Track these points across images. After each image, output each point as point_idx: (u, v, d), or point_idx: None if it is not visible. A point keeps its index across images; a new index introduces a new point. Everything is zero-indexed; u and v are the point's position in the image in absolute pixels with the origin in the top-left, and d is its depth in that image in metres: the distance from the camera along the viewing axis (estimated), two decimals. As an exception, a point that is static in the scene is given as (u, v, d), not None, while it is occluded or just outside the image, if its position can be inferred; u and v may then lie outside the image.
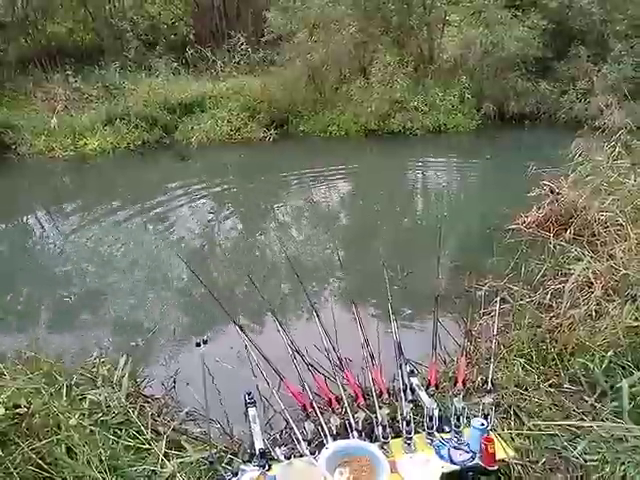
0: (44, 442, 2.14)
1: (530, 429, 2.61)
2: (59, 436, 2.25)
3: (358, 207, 7.53)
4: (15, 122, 10.55)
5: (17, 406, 2.14)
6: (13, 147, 10.20)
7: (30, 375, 2.51)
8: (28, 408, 2.15)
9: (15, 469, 2.02)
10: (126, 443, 2.48)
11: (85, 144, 10.37)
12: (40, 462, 2.10)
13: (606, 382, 2.84)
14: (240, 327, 3.08)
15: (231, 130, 11.04)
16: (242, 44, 12.55)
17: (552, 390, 2.91)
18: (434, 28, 12.50)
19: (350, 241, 6.03)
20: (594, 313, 3.29)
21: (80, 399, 2.74)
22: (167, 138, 10.89)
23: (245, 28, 13.78)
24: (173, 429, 2.64)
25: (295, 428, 2.35)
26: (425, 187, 8.54)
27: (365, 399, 2.47)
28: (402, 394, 2.48)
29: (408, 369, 2.70)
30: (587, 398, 2.83)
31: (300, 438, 2.26)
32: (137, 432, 2.57)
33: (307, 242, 6.00)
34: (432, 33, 12.44)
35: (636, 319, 3.05)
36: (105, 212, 7.14)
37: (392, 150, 10.24)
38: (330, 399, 2.39)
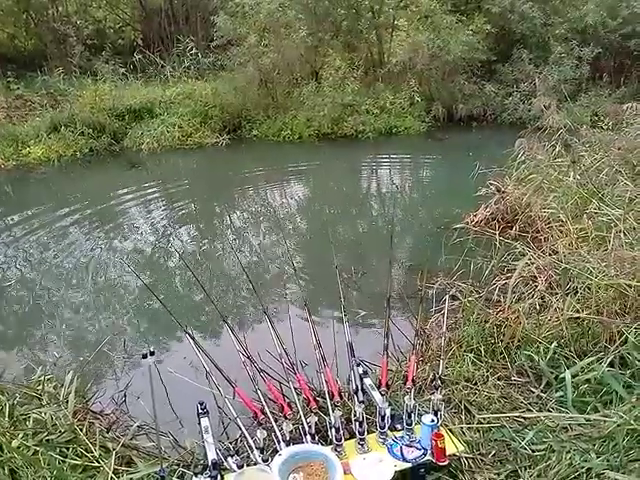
0: (-17, 466, 2.03)
1: (480, 422, 2.68)
2: (1, 458, 2.16)
3: (312, 210, 7.56)
4: (-49, 132, 10.06)
5: (-48, 430, 2.03)
6: (-51, 157, 9.71)
7: (-33, 396, 2.38)
8: (-36, 432, 2.04)
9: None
10: (73, 462, 2.38)
11: (29, 153, 9.96)
12: (-21, 487, 2.00)
13: (551, 373, 2.95)
14: (191, 336, 3.03)
15: (182, 136, 10.88)
16: (191, 49, 12.39)
17: (500, 383, 3.00)
18: (383, 32, 12.73)
19: (305, 245, 6.05)
20: (538, 307, 3.42)
21: (24, 419, 2.63)
22: (116, 145, 10.61)
23: (194, 33, 13.64)
24: (123, 445, 2.56)
25: (248, 436, 2.33)
26: (378, 189, 8.66)
27: (317, 402, 2.47)
28: (354, 395, 2.49)
29: (361, 370, 2.72)
30: (534, 389, 2.93)
31: (253, 446, 2.24)
32: (85, 450, 2.48)
33: (261, 247, 5.97)
34: (381, 37, 12.67)
35: (577, 311, 3.18)
36: (50, 221, 6.88)
37: (345, 153, 10.34)
38: (282, 405, 2.38)
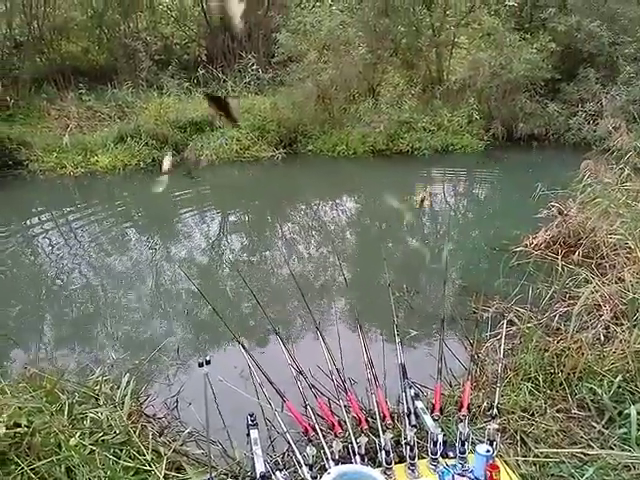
0: (44, 462, 2.11)
1: (537, 455, 2.56)
2: (59, 456, 2.23)
3: (365, 226, 7.55)
4: (28, 139, 10.72)
5: (18, 425, 2.13)
6: (25, 163, 10.35)
7: (32, 393, 2.49)
8: (29, 427, 2.13)
9: (14, 489, 2.00)
10: (126, 464, 2.45)
11: (96, 161, 10.49)
12: (39, 482, 2.08)
13: (614, 408, 2.79)
14: (243, 346, 3.06)
15: (240, 149, 11.13)
16: (252, 64, 12.72)
17: (559, 415, 2.86)
18: (443, 50, 12.63)
19: (356, 260, 6.03)
20: (602, 337, 3.25)
21: (81, 418, 2.72)
22: (177, 156, 10.99)
23: (256, 49, 13.99)
24: (174, 450, 2.61)
25: (297, 451, 2.31)
26: (432, 207, 8.53)
27: (368, 423, 2.43)
28: (406, 418, 2.44)
29: (412, 392, 2.65)
30: (595, 424, 2.78)
31: (302, 462, 2.22)
32: (137, 452, 2.54)
33: (313, 261, 6.00)
34: (441, 55, 12.57)
35: (645, 344, 3.01)
36: (110, 226, 7.21)
37: (399, 170, 10.27)
38: (333, 422, 2.35)
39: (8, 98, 11.85)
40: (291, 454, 2.43)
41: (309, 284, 5.20)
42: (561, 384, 3.03)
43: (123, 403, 2.93)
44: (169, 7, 15.97)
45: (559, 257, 4.14)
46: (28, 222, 7.84)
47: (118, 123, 11.46)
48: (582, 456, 2.55)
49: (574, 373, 3.01)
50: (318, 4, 12.59)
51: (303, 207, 8.54)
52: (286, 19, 12.68)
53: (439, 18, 12.25)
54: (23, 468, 2.10)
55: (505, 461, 2.39)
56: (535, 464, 2.52)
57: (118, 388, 3.12)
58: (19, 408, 2.24)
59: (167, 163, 8.24)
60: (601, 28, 11.25)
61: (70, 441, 2.29)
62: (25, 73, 12.71)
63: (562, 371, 3.05)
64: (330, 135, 11.52)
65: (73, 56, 14.82)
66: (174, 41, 15.82)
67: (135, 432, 2.66)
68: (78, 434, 2.48)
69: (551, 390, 3.02)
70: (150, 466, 2.45)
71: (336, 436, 2.28)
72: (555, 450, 2.59)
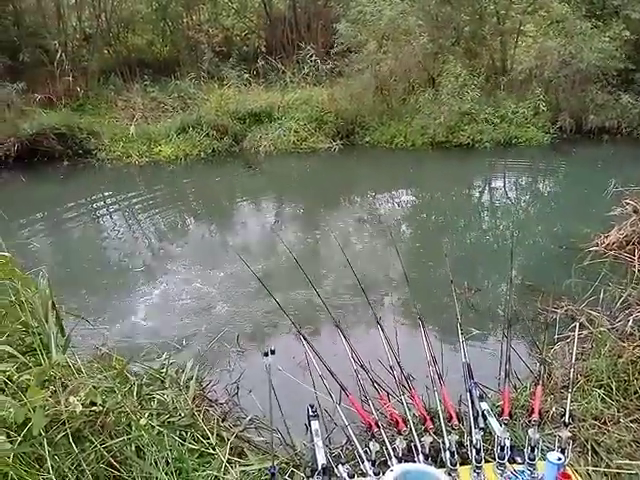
0: (116, 441, 2.19)
1: (609, 466, 2.44)
2: (130, 435, 2.31)
3: (423, 220, 7.40)
4: (97, 129, 11.22)
5: (93, 404, 2.22)
6: (94, 152, 10.84)
7: (105, 373, 2.60)
8: (103, 406, 2.22)
9: (88, 466, 2.09)
10: (191, 446, 2.51)
11: (160, 151, 10.85)
12: (111, 460, 2.16)
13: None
14: (305, 337, 3.07)
15: (297, 140, 11.20)
16: (311, 55, 12.72)
17: (634, 426, 2.71)
18: (508, 38, 12.16)
19: (415, 255, 5.92)
20: (684, 345, 3.05)
21: (149, 399, 2.81)
22: (236, 147, 11.19)
23: (315, 40, 13.98)
24: (236, 436, 2.66)
25: (359, 446, 2.30)
26: (493, 202, 8.27)
27: (433, 422, 2.38)
28: (472, 420, 2.37)
29: (477, 393, 2.58)
30: (673, 437, 2.61)
31: (364, 457, 2.21)
32: (202, 436, 2.61)
33: (371, 254, 5.94)
34: (505, 44, 12.11)
35: None
36: (170, 212, 7.47)
37: (459, 163, 10.01)
38: (397, 419, 2.32)
39: (78, 89, 12.44)
40: (352, 448, 2.42)
41: (368, 279, 5.14)
42: (636, 392, 2.86)
43: (187, 387, 3.02)
44: (230, -1, 16.18)
45: (635, 258, 3.90)
46: (95, 205, 8.26)
47: (180, 114, 11.79)
48: (659, 469, 2.40)
49: (651, 382, 2.84)
50: (379, -7, 12.37)
51: (359, 199, 8.48)
52: (346, 9, 12.58)
53: (504, 5, 11.78)
54: (96, 446, 2.19)
55: (576, 470, 2.29)
56: (607, 475, 2.39)
57: (182, 372, 3.21)
58: (94, 387, 2.34)
59: None
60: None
61: (140, 421, 2.37)
62: (94, 65, 13.28)
63: (637, 379, 2.88)
64: (388, 127, 11.38)
65: (138, 48, 15.36)
66: (234, 33, 16.06)
67: (199, 415, 2.73)
68: (147, 415, 2.57)
69: (625, 399, 2.86)
70: (214, 450, 2.51)
71: (400, 433, 2.25)
72: (629, 462, 2.45)
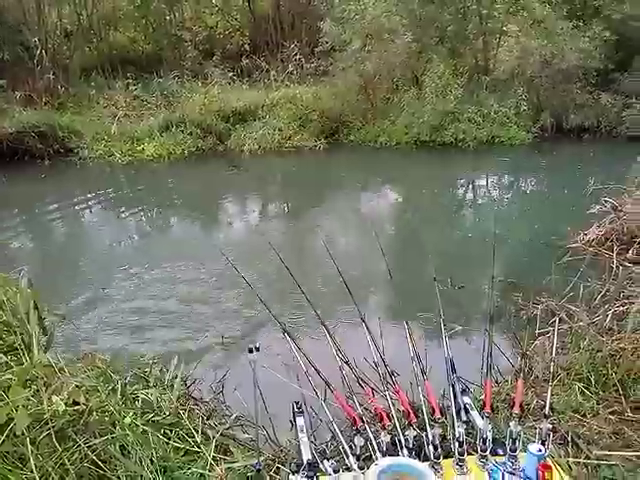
0: (100, 440, 2.18)
1: (588, 457, 2.49)
2: (114, 434, 2.30)
3: (406, 218, 7.45)
4: (78, 127, 11.08)
5: (76, 403, 2.21)
6: (75, 151, 10.70)
7: (88, 373, 2.58)
8: (86, 405, 2.21)
9: (71, 465, 2.08)
10: (176, 445, 2.51)
11: (142, 150, 10.75)
12: (95, 459, 2.15)
13: (672, 412, 2.69)
14: (289, 335, 3.08)
15: (282, 138, 11.20)
16: (296, 54, 12.72)
17: (613, 418, 2.77)
18: (490, 38, 12.29)
19: (398, 252, 5.97)
20: (661, 339, 3.12)
21: (133, 398, 2.80)
22: (220, 145, 11.14)
23: (299, 39, 13.98)
24: (221, 434, 2.66)
25: (343, 441, 2.32)
26: (475, 200, 8.36)
27: (417, 416, 2.41)
28: (454, 414, 2.41)
29: (460, 387, 2.62)
30: (650, 428, 2.68)
31: (349, 452, 2.23)
32: (187, 434, 2.60)
33: (355, 251, 5.97)
34: (488, 43, 12.24)
35: None
36: (151, 210, 7.43)
37: (443, 162, 10.10)
38: (381, 414, 2.34)
39: (59, 87, 12.27)
40: (337, 443, 2.44)
41: (352, 276, 5.16)
42: (614, 385, 2.93)
43: (172, 386, 3.01)
44: (213, -3, 16.11)
45: (613, 255, 3.98)
46: (76, 204, 8.16)
47: (163, 112, 11.71)
48: (636, 459, 2.46)
49: (629, 375, 2.91)
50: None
51: (344, 198, 8.50)
52: (330, 8, 12.61)
53: (487, 5, 11.90)
54: (80, 445, 2.18)
55: (556, 461, 2.34)
56: (587, 466, 2.45)
57: (167, 371, 3.20)
58: (77, 387, 2.32)
59: None
60: (657, 16, 10.71)
61: (124, 420, 2.36)
62: (75, 62, 13.11)
63: (616, 372, 2.95)
64: (372, 125, 11.43)
65: (120, 46, 15.20)
66: (218, 31, 15.97)
67: (184, 414, 2.73)
68: (131, 414, 2.56)
69: (604, 391, 2.93)
70: (199, 448, 2.51)
71: (384, 428, 2.27)
72: (608, 452, 2.51)
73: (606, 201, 5.28)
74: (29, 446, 1.96)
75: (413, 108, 10.81)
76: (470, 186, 9.03)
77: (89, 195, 8.78)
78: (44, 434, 2.04)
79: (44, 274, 5.44)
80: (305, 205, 8.07)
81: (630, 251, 4.50)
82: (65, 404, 2.18)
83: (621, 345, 3.00)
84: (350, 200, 8.33)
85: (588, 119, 11.10)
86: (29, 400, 2.04)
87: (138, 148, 10.81)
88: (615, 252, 4.24)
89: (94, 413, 2.27)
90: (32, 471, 1.91)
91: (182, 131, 10.93)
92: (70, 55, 13.18)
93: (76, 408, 2.21)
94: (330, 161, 10.66)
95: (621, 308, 3.48)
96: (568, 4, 12.04)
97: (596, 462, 2.46)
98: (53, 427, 2.07)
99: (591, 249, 4.79)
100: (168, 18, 14.99)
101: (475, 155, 10.25)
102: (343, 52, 11.58)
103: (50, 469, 1.99)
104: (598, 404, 2.84)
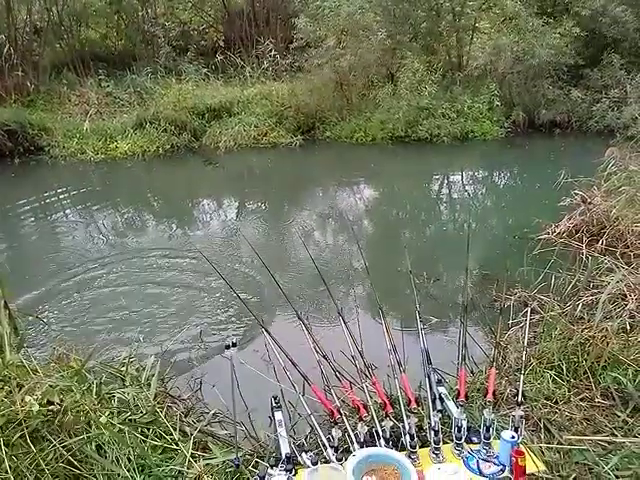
0: (75, 439, 2.16)
1: (560, 443, 2.56)
2: (90, 434, 2.28)
3: (383, 213, 7.52)
4: (49, 125, 10.85)
5: (50, 403, 2.18)
6: (46, 149, 10.48)
7: (62, 373, 2.55)
8: (61, 405, 2.18)
9: (47, 465, 2.05)
10: (154, 443, 2.50)
11: (116, 147, 10.58)
12: (71, 459, 2.13)
13: (639, 397, 2.77)
14: (267, 331, 3.09)
15: (258, 135, 11.13)
16: (270, 50, 12.67)
17: (583, 404, 2.85)
18: (463, 35, 12.42)
19: (375, 247, 6.02)
20: (628, 326, 3.22)
21: (109, 398, 2.78)
22: (195, 142, 11.03)
23: (274, 35, 13.92)
24: (200, 430, 2.66)
25: (321, 434, 2.34)
26: (451, 195, 8.47)
27: (393, 407, 2.45)
28: (430, 403, 2.45)
29: (435, 378, 2.66)
30: (619, 413, 2.76)
31: (327, 444, 2.25)
32: (164, 432, 2.59)
33: (332, 247, 6.01)
34: (461, 40, 12.36)
35: (672, 333, 2.97)
36: (128, 209, 7.31)
37: (418, 157, 10.20)
38: (358, 406, 2.37)
39: (28, 84, 11.98)
40: (315, 436, 2.46)
41: (329, 270, 5.21)
42: (585, 373, 3.01)
43: (149, 384, 2.99)
44: (187, -8, 15.88)
45: (583, 246, 4.08)
46: (47, 203, 8.00)
47: (137, 109, 11.53)
48: (606, 444, 2.54)
49: (598, 362, 2.99)
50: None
51: (321, 194, 8.53)
52: (304, 4, 12.58)
53: (460, 2, 12.01)
54: (55, 445, 2.16)
55: (529, 448, 2.40)
56: (559, 451, 2.51)
57: (144, 369, 3.17)
58: (51, 387, 2.29)
59: None
60: (625, 13, 10.96)
61: (100, 419, 2.34)
62: (45, 59, 12.81)
63: (586, 360, 3.03)
64: (348, 121, 11.46)
65: (92, 42, 14.90)
66: (192, 27, 15.77)
67: (162, 412, 2.71)
68: (107, 413, 2.54)
69: (575, 379, 3.01)
70: (177, 445, 2.50)
71: (361, 420, 2.30)
72: (579, 437, 2.58)
73: (576, 194, 5.40)
74: (3, 447, 1.93)
75: (388, 104, 10.87)
76: (445, 181, 9.14)
77: (60, 192, 8.62)
78: (18, 435, 2.01)
79: (14, 273, 5.34)
80: (282, 201, 8.07)
81: (599, 242, 4.63)
82: (39, 404, 2.15)
83: (591, 333, 3.08)
84: (327, 196, 8.35)
85: (559, 114, 11.30)
86: (2, 401, 2.01)
87: (111, 146, 10.63)
88: (585, 243, 4.35)
89: (69, 413, 2.25)
90: (7, 472, 1.88)
91: (156, 128, 10.76)
92: (40, 52, 12.87)
93: (50, 408, 2.19)
94: (307, 157, 10.67)
95: (591, 298, 3.58)
96: (539, 1, 12.26)
97: (568, 447, 2.53)
98: (27, 427, 2.04)
99: (562, 241, 4.90)
100: (140, 14, 14.71)
101: (450, 150, 10.37)
102: (318, 48, 11.56)
103: (25, 470, 1.97)
104: (569, 391, 2.92)
